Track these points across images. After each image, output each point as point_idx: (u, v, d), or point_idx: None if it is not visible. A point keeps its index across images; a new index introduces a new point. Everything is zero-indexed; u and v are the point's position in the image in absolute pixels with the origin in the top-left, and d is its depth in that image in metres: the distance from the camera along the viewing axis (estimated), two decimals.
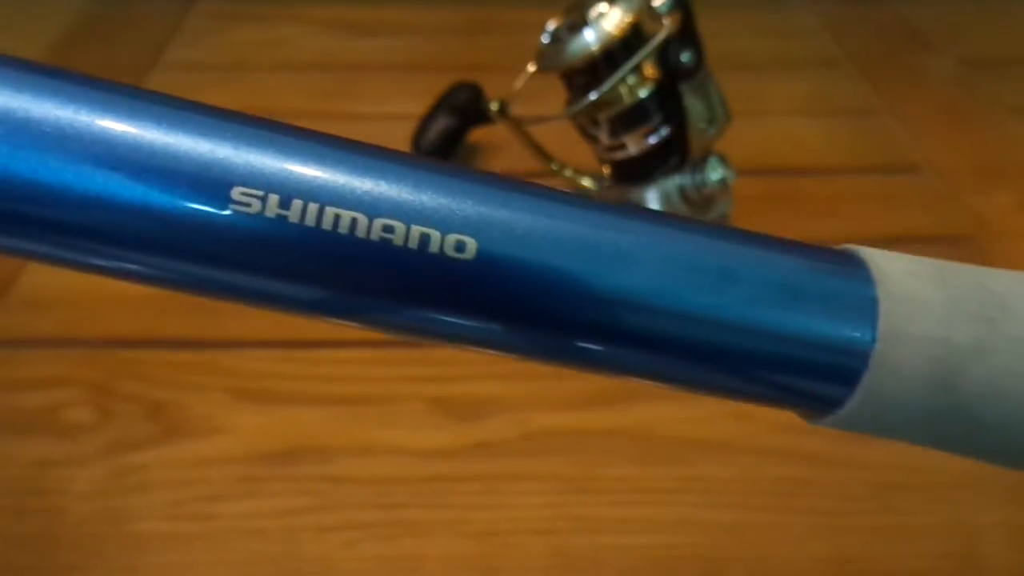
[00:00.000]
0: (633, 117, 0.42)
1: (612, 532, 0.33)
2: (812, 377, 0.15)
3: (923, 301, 0.15)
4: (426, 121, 0.52)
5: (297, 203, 0.13)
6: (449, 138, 0.52)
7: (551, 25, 0.43)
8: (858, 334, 0.15)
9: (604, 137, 0.43)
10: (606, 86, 0.41)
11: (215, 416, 0.37)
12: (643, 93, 0.42)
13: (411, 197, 0.14)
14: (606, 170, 0.47)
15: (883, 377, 0.15)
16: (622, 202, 0.45)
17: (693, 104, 0.42)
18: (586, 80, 0.42)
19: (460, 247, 0.14)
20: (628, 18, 0.40)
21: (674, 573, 0.32)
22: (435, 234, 0.14)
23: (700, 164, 0.44)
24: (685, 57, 0.41)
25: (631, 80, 0.42)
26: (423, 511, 0.34)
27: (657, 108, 0.42)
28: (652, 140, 0.43)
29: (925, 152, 0.57)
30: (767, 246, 0.16)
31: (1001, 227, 0.50)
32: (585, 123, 0.44)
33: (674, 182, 0.44)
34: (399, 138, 0.53)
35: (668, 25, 0.40)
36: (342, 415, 0.38)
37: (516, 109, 0.47)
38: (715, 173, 0.43)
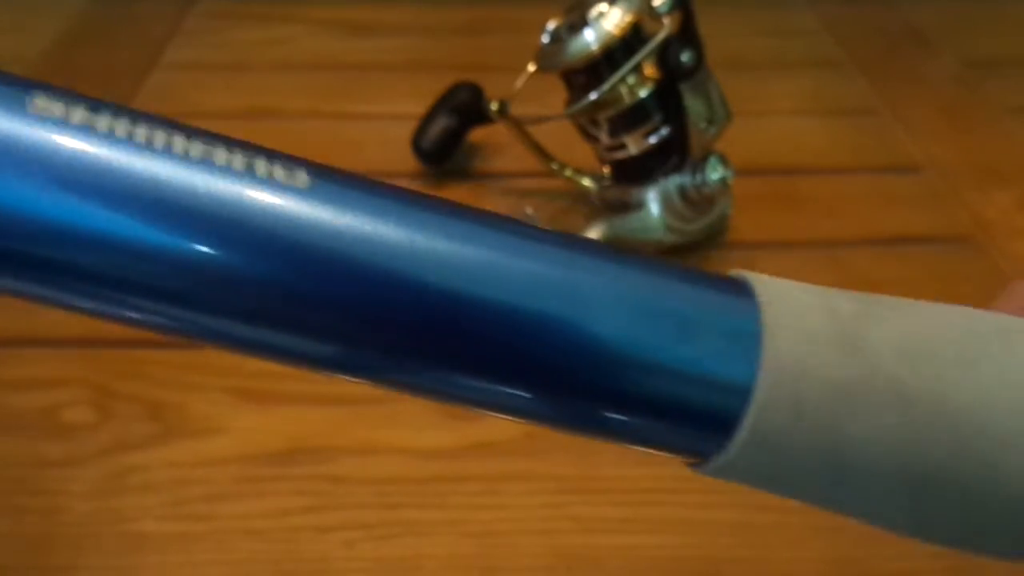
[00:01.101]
0: (633, 117, 0.42)
1: (612, 532, 0.33)
2: (687, 418, 0.13)
3: (812, 334, 0.13)
4: (426, 121, 0.52)
5: None
6: (449, 138, 0.52)
7: (551, 25, 0.43)
8: (738, 369, 0.13)
9: (604, 137, 0.43)
10: (606, 86, 0.41)
11: (215, 416, 0.37)
12: (643, 93, 0.42)
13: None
14: (606, 170, 0.47)
15: (766, 417, 0.13)
16: (623, 201, 0.45)
17: (693, 104, 0.42)
18: (586, 80, 0.42)
19: None
20: (628, 18, 0.40)
21: (674, 573, 0.32)
22: None
23: (700, 164, 0.44)
24: (685, 57, 0.41)
25: (631, 80, 0.42)
26: (423, 511, 0.34)
27: (657, 108, 0.42)
28: (652, 140, 0.43)
29: (925, 152, 0.57)
30: (634, 267, 0.13)
31: (1001, 227, 0.50)
32: (585, 123, 0.44)
33: (674, 182, 0.44)
34: (399, 138, 0.53)
35: (668, 25, 0.40)
36: (342, 415, 0.38)
37: (516, 109, 0.47)
38: (715, 173, 0.43)
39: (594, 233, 0.43)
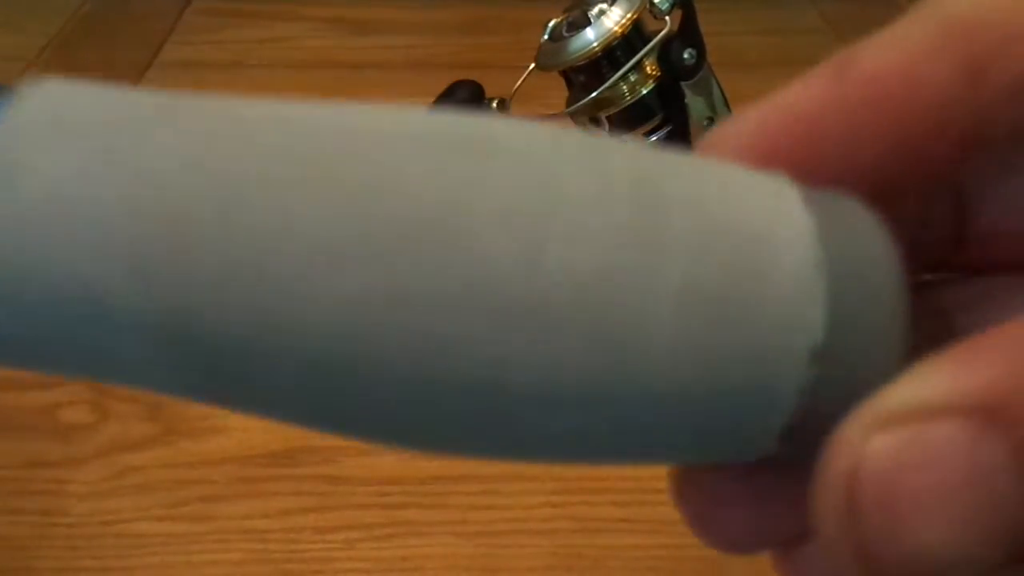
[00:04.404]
0: (634, 115, 0.42)
1: (612, 532, 0.33)
2: None
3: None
4: None
5: None
6: None
7: (552, 23, 0.43)
8: None
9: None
10: (607, 84, 0.40)
11: (214, 416, 0.37)
12: (645, 91, 0.41)
13: None
14: None
15: None
16: None
17: (695, 102, 0.42)
18: (587, 78, 0.42)
19: None
20: (630, 16, 0.40)
21: (674, 573, 0.32)
22: None
23: None
24: (687, 55, 0.41)
25: (633, 78, 0.41)
26: (423, 511, 0.34)
27: (658, 106, 0.42)
28: (653, 138, 0.43)
29: None
30: None
31: None
32: (586, 121, 0.44)
33: None
34: None
35: (669, 23, 0.40)
36: None
37: (517, 108, 0.47)
38: None
39: None
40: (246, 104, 0.10)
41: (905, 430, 0.08)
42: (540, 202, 0.10)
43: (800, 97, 0.12)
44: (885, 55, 0.11)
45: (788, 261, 0.10)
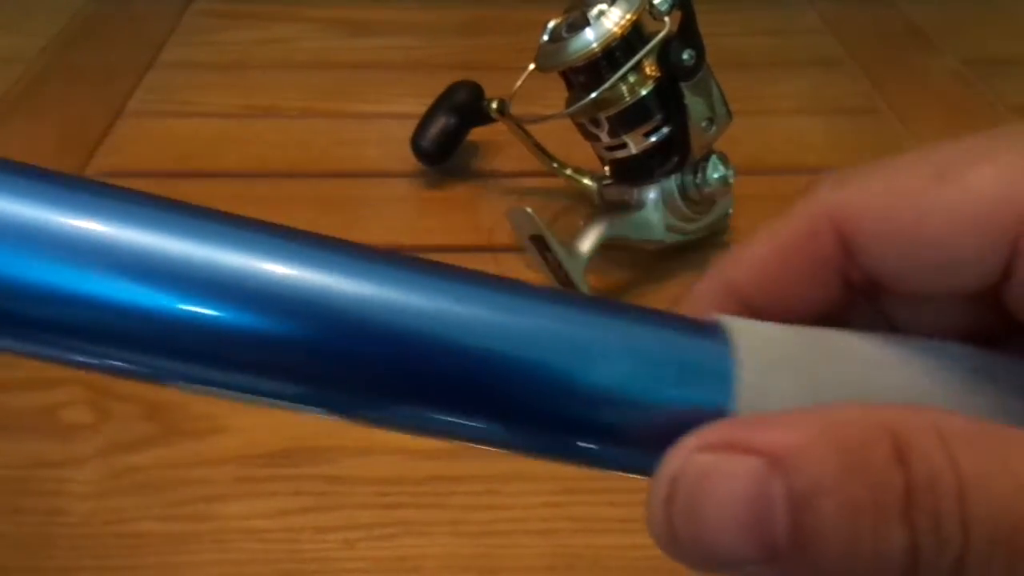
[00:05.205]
0: (634, 116, 0.42)
1: (612, 532, 0.33)
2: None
3: (784, 378, 0.14)
4: (426, 120, 0.52)
5: None
6: (449, 138, 0.52)
7: (551, 24, 0.43)
8: (709, 409, 0.14)
9: (605, 136, 0.43)
10: (607, 85, 0.40)
11: (215, 416, 0.37)
12: (644, 92, 0.41)
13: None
14: (606, 169, 0.47)
15: None
16: (623, 200, 0.45)
17: (694, 103, 0.42)
18: (587, 79, 0.42)
19: None
20: (629, 16, 0.40)
21: (674, 573, 0.32)
22: None
23: (701, 163, 0.44)
24: (686, 56, 0.41)
25: (632, 79, 0.41)
26: (423, 511, 0.34)
27: (658, 107, 0.42)
28: (653, 139, 0.43)
29: None
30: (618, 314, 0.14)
31: None
32: (586, 122, 0.44)
33: (675, 181, 0.44)
34: (399, 137, 0.53)
35: (669, 24, 0.40)
36: None
37: (516, 108, 0.47)
38: (716, 172, 0.43)
39: (594, 233, 0.43)
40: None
41: (717, 455, 0.12)
42: None
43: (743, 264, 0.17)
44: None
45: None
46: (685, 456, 0.13)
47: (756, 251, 0.16)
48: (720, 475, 0.12)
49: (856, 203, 0.15)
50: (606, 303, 0.15)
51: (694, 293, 0.17)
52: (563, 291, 0.15)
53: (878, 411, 0.13)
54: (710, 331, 0.15)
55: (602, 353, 0.14)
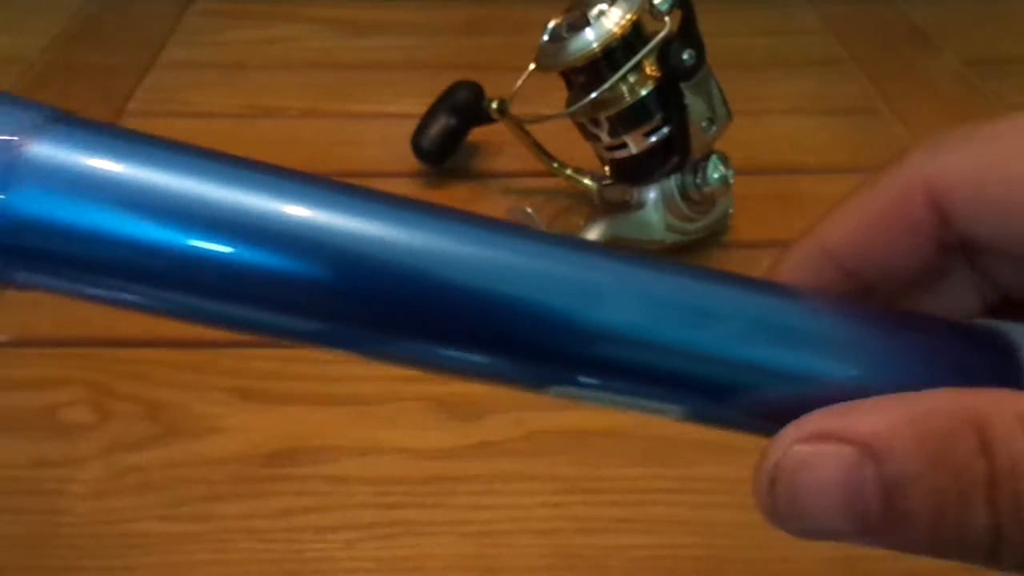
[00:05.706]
0: (634, 116, 0.42)
1: (613, 532, 0.33)
2: None
3: None
4: (426, 120, 0.52)
5: None
6: (449, 138, 0.52)
7: (551, 24, 0.43)
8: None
9: (605, 136, 0.43)
10: (607, 85, 0.40)
11: (215, 416, 0.37)
12: (644, 92, 0.42)
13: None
14: (606, 169, 0.47)
15: None
16: (623, 200, 0.45)
17: (694, 103, 0.42)
18: (587, 79, 0.42)
19: None
20: (629, 16, 0.40)
21: (674, 573, 0.32)
22: None
23: (701, 163, 0.44)
24: (686, 56, 0.41)
25: (632, 79, 0.41)
26: (423, 511, 0.34)
27: (658, 107, 0.42)
28: (653, 139, 0.43)
29: None
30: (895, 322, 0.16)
31: None
32: (586, 122, 0.44)
33: (675, 181, 0.44)
34: (399, 137, 0.53)
35: (669, 24, 0.40)
36: (342, 415, 0.38)
37: (516, 108, 0.47)
38: (716, 172, 0.43)
39: (594, 233, 0.43)
40: None
41: (813, 446, 0.14)
42: None
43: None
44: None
45: None
46: (786, 446, 0.14)
47: (851, 217, 0.17)
48: (815, 465, 0.14)
49: (950, 172, 0.16)
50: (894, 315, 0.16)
51: (791, 257, 0.18)
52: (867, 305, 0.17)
53: (963, 398, 0.13)
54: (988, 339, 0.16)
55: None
